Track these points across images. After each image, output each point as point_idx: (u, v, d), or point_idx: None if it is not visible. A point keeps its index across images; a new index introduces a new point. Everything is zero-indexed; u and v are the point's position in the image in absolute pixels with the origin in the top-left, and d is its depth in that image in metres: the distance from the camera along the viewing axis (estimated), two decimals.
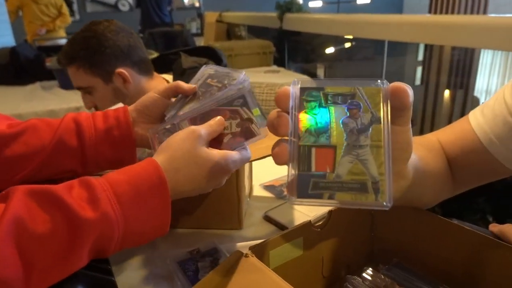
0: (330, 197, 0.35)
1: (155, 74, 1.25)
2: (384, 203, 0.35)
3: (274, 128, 0.38)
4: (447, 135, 0.60)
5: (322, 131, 0.37)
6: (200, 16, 6.82)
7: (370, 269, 0.52)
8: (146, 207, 0.47)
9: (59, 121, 0.61)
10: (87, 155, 0.60)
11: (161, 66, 1.30)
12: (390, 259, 0.55)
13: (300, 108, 0.38)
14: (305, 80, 0.39)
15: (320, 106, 0.38)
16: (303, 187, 0.36)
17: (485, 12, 5.84)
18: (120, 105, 1.19)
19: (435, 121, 3.34)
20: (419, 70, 3.76)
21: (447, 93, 3.36)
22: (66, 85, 2.51)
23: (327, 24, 3.11)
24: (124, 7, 7.11)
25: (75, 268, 0.44)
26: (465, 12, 5.91)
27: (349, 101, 0.37)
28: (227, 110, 0.54)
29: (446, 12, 6.10)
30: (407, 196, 0.44)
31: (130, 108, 0.63)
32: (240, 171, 0.74)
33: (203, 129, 0.52)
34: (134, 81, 1.16)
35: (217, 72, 0.62)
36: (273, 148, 0.38)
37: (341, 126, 0.37)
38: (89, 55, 1.11)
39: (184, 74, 1.20)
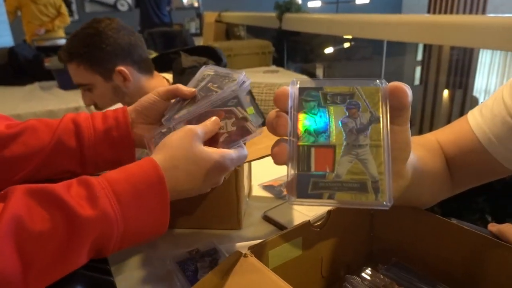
0: (330, 197, 0.35)
1: (155, 73, 1.25)
2: (384, 203, 0.35)
3: (273, 128, 0.38)
4: (446, 135, 0.60)
5: (321, 131, 0.37)
6: (199, 16, 6.81)
7: (369, 269, 0.52)
8: (145, 205, 0.47)
9: (58, 121, 0.61)
10: (86, 155, 0.60)
11: (161, 65, 1.31)
12: (389, 259, 0.55)
13: (299, 108, 0.38)
14: (304, 80, 0.39)
15: (319, 106, 0.38)
16: (303, 187, 0.36)
17: (483, 12, 5.86)
18: (119, 105, 1.20)
19: (434, 121, 3.35)
20: (418, 70, 3.76)
21: (446, 93, 3.37)
22: (65, 85, 2.51)
23: (326, 24, 3.12)
24: (123, 7, 7.11)
25: (74, 266, 0.44)
26: (463, 12, 5.93)
27: (348, 100, 0.37)
28: (221, 110, 0.55)
29: (445, 12, 6.11)
30: (405, 196, 0.44)
31: (129, 108, 0.63)
32: (239, 171, 0.74)
33: (199, 128, 0.53)
34: (134, 79, 1.16)
35: (217, 73, 0.62)
36: (272, 148, 0.38)
37: (340, 125, 0.37)
38: (90, 52, 1.11)
39: (184, 73, 1.21)
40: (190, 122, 0.57)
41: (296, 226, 0.51)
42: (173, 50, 1.32)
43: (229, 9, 4.82)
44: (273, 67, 3.32)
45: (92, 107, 1.23)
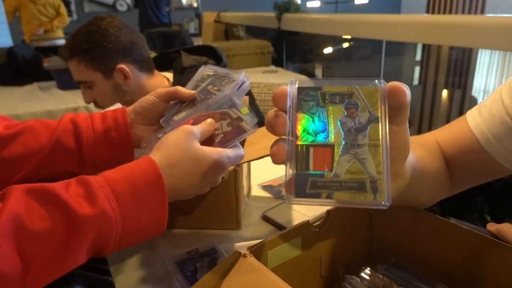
0: (328, 197, 0.35)
1: (156, 72, 1.26)
2: (383, 202, 0.35)
3: (272, 127, 0.38)
4: (444, 134, 0.60)
5: (320, 130, 0.37)
6: (198, 16, 6.81)
7: (369, 268, 0.52)
8: (143, 203, 0.47)
9: (56, 122, 0.61)
10: (85, 156, 0.60)
11: (161, 64, 1.31)
12: (388, 259, 0.55)
13: (298, 107, 0.38)
14: (302, 80, 0.39)
15: (317, 105, 0.38)
16: (301, 186, 0.36)
17: (482, 12, 5.86)
18: (118, 105, 1.20)
19: (433, 121, 3.35)
20: (417, 70, 3.77)
21: (445, 92, 3.37)
22: (64, 85, 2.51)
23: (325, 24, 3.12)
24: (122, 7, 7.10)
25: (73, 265, 0.44)
26: (462, 12, 5.94)
27: (347, 100, 0.37)
28: (216, 113, 0.56)
29: (444, 12, 6.12)
30: (404, 195, 0.44)
31: (129, 109, 0.63)
32: (239, 171, 0.74)
33: (196, 128, 0.53)
34: (134, 77, 1.16)
35: (216, 73, 0.62)
36: (271, 147, 0.38)
37: (339, 125, 0.37)
38: (91, 49, 1.11)
39: (184, 72, 1.21)
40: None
41: (295, 226, 0.51)
42: (174, 50, 1.32)
43: (228, 9, 4.82)
44: (272, 67, 3.32)
45: (92, 106, 1.23)
